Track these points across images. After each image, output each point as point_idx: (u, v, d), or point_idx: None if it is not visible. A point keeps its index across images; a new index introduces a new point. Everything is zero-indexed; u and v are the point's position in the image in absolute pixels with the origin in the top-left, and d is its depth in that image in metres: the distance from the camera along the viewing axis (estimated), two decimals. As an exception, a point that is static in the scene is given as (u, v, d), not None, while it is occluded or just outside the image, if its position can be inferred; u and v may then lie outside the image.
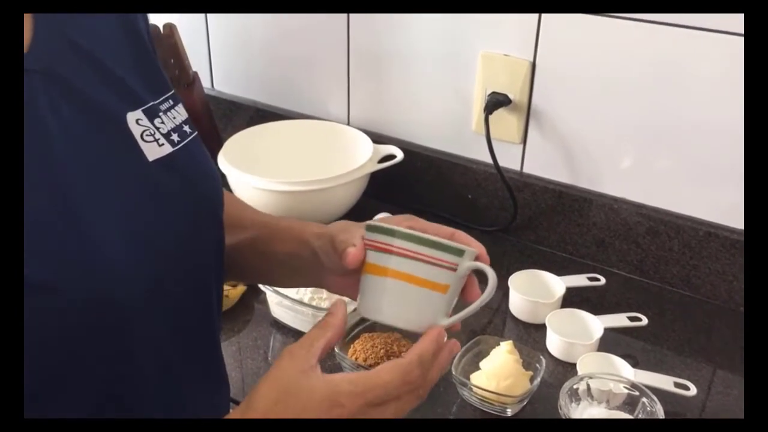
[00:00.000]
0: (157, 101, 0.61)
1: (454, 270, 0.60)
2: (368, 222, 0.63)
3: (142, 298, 0.55)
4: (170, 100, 0.63)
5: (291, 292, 1.01)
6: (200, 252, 0.63)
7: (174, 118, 0.62)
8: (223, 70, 1.54)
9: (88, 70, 0.56)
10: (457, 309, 0.62)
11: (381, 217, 0.69)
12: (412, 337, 0.97)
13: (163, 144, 0.59)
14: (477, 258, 0.62)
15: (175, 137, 0.61)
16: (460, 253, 0.59)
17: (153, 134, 0.58)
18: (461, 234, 0.64)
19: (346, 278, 0.66)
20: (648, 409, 0.84)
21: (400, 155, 1.27)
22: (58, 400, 0.53)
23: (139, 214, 0.56)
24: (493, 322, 1.07)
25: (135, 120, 0.58)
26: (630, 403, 0.86)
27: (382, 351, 0.92)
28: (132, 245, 0.54)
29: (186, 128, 0.63)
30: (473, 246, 0.63)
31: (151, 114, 0.59)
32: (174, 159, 0.59)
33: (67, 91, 0.54)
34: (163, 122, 0.60)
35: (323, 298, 1.00)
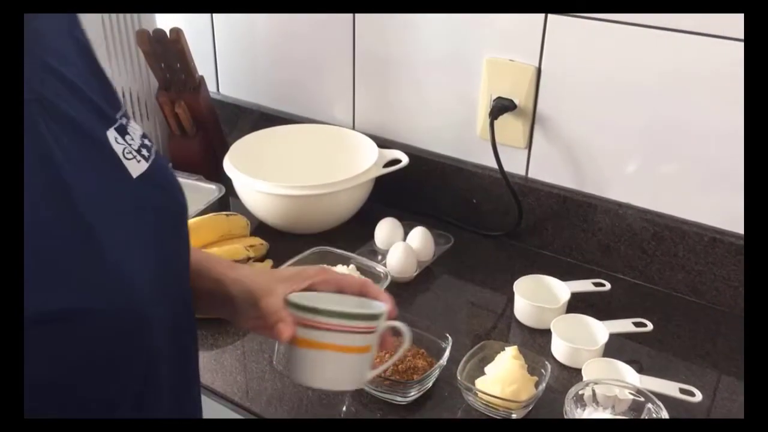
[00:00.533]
0: (119, 117, 0.61)
1: (373, 332, 0.68)
2: (289, 297, 0.69)
3: (160, 309, 0.58)
4: (125, 117, 0.62)
5: (296, 296, 1.01)
6: (184, 256, 0.66)
7: (135, 132, 0.62)
8: (229, 74, 1.55)
9: (68, 93, 0.56)
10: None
11: (294, 275, 0.73)
12: (417, 341, 0.97)
13: (140, 160, 0.60)
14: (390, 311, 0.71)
15: (144, 152, 0.61)
16: (376, 318, 0.68)
17: (131, 151, 0.60)
18: (370, 286, 0.74)
19: (258, 320, 0.71)
20: (654, 415, 0.84)
21: (405, 160, 1.27)
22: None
23: (140, 231, 0.58)
24: (497, 327, 1.07)
25: (114, 138, 0.58)
26: (635, 409, 0.85)
27: (387, 356, 0.92)
28: (142, 262, 0.56)
29: (146, 141, 0.63)
30: (382, 299, 0.72)
31: (122, 131, 0.60)
32: (152, 173, 0.61)
33: (59, 118, 0.54)
34: (132, 138, 0.61)
35: (328, 302, 1.00)
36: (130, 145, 0.60)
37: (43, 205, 0.50)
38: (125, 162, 0.58)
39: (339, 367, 0.68)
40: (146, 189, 0.60)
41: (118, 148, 0.58)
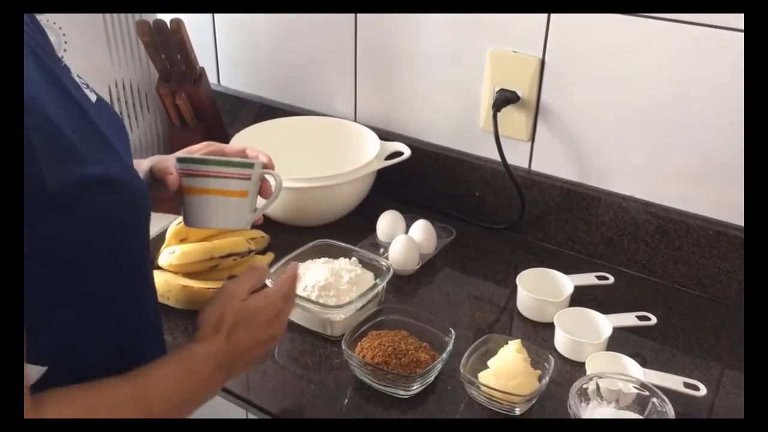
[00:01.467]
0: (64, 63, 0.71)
1: (249, 179, 0.81)
2: (177, 154, 0.83)
3: (148, 201, 0.70)
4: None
5: (298, 289, 1.01)
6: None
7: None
8: (230, 65, 1.54)
9: (38, 35, 0.66)
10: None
11: (185, 150, 0.88)
12: (419, 335, 0.96)
13: (91, 91, 0.71)
14: (265, 166, 0.85)
15: (90, 86, 0.72)
16: (250, 166, 0.82)
17: (84, 83, 0.70)
18: (251, 149, 0.89)
19: (168, 201, 0.84)
20: (658, 409, 0.83)
21: (407, 152, 1.27)
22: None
23: (113, 135, 0.68)
24: (500, 321, 1.07)
25: (75, 74, 0.70)
26: (640, 403, 0.85)
27: (389, 349, 0.92)
28: (127, 160, 0.68)
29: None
30: (261, 158, 0.86)
31: (68, 71, 0.70)
32: (100, 101, 0.71)
33: (42, 50, 0.64)
34: (78, 76, 0.71)
35: (330, 295, 1.00)
36: (80, 78, 0.71)
37: (67, 108, 0.61)
38: (85, 90, 0.69)
39: (221, 210, 0.81)
40: (102, 111, 0.70)
41: (78, 80, 0.69)
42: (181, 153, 0.86)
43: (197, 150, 0.88)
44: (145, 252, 0.73)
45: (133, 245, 0.70)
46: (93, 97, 0.70)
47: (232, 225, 0.83)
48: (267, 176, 0.85)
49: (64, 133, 0.58)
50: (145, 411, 0.66)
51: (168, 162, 0.83)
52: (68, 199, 0.57)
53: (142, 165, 0.85)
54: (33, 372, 0.60)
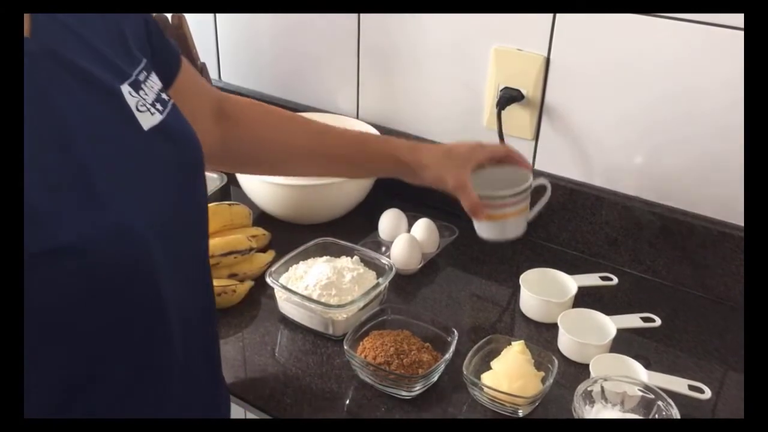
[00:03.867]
0: (136, 72, 0.64)
1: (528, 195, 1.01)
2: (480, 193, 0.96)
3: (161, 257, 0.60)
4: (144, 71, 0.66)
5: (300, 288, 1.00)
6: (191, 211, 0.69)
7: (152, 87, 0.65)
8: (231, 61, 1.53)
9: (82, 48, 0.59)
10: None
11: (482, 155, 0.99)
12: (422, 335, 0.96)
13: (154, 113, 0.63)
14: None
15: (159, 106, 0.64)
16: (528, 183, 1.00)
17: (144, 104, 0.62)
18: (514, 153, 1.01)
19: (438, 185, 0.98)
20: (663, 412, 0.82)
21: (410, 150, 1.26)
22: (103, 367, 0.59)
23: (144, 180, 0.60)
24: (503, 321, 1.06)
25: (128, 92, 0.62)
26: (645, 406, 0.84)
27: (392, 349, 0.91)
28: (143, 208, 0.59)
29: (164, 96, 0.67)
30: (525, 165, 1.01)
31: (136, 86, 0.63)
32: (164, 126, 0.64)
33: (72, 70, 0.57)
34: (146, 93, 0.64)
35: (332, 294, 0.99)
36: (144, 98, 0.63)
37: (42, 146, 0.53)
38: (137, 114, 0.61)
39: (514, 225, 1.01)
40: (157, 141, 0.62)
41: (131, 101, 0.61)
42: (469, 166, 0.96)
43: (476, 159, 0.97)
44: (154, 308, 0.63)
45: (122, 307, 0.59)
46: (152, 122, 0.62)
47: (521, 233, 1.02)
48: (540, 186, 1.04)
49: (27, 196, 0.50)
50: None
51: (467, 191, 0.94)
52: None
53: (395, 156, 0.95)
54: None
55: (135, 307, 0.60)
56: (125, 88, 0.61)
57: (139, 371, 0.63)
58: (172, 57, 0.82)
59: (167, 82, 0.78)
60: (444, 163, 0.95)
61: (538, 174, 1.09)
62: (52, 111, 0.54)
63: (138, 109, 0.61)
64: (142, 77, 0.64)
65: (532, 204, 1.03)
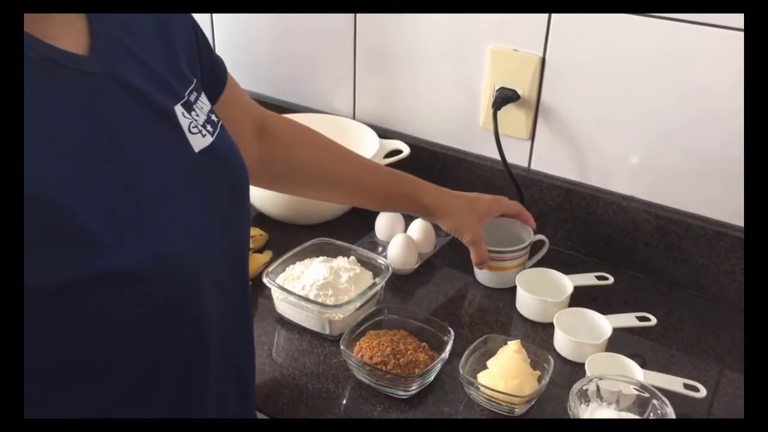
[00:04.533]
0: (188, 93, 0.64)
1: (527, 252, 1.12)
2: (488, 248, 1.06)
3: (208, 281, 0.60)
4: (195, 92, 0.65)
5: (296, 288, 1.00)
6: (237, 231, 0.69)
7: (202, 108, 0.65)
8: (228, 62, 1.51)
9: (138, 68, 0.60)
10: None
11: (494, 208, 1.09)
12: (418, 335, 0.96)
13: (205, 135, 0.63)
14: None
15: (209, 127, 0.65)
16: (530, 245, 1.11)
17: (196, 126, 0.63)
18: (523, 212, 1.11)
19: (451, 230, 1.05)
20: (659, 411, 0.83)
21: (406, 150, 1.26)
22: (139, 396, 0.58)
23: (194, 203, 0.60)
24: (499, 321, 1.06)
25: (181, 113, 0.62)
26: (640, 404, 0.84)
27: (388, 349, 0.91)
28: (194, 233, 0.59)
29: (213, 117, 0.67)
30: (530, 224, 1.12)
31: (188, 107, 0.63)
32: (214, 148, 0.64)
33: (129, 91, 0.57)
34: (198, 114, 0.64)
35: (329, 294, 0.99)
36: (195, 120, 0.63)
37: (99, 167, 0.53)
38: (189, 136, 0.61)
39: (511, 275, 1.08)
40: (206, 163, 0.62)
41: (184, 122, 0.61)
42: (485, 220, 1.05)
43: (494, 214, 1.08)
44: (196, 336, 0.62)
45: (167, 340, 0.59)
46: (203, 143, 0.62)
47: (515, 283, 1.07)
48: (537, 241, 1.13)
49: (82, 221, 0.50)
50: None
51: (478, 242, 1.03)
52: (64, 296, 0.50)
53: (421, 200, 1.01)
54: None
55: (179, 335, 0.60)
56: (179, 109, 0.61)
57: (174, 402, 0.62)
58: (219, 71, 0.82)
59: (214, 96, 0.78)
60: (465, 217, 1.03)
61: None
62: (111, 132, 0.55)
63: (190, 131, 0.62)
64: (193, 98, 0.64)
65: (531, 255, 1.13)
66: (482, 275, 1.12)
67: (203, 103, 0.66)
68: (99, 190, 0.52)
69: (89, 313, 0.52)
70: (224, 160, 0.66)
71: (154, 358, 0.59)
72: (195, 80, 0.67)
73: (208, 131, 0.64)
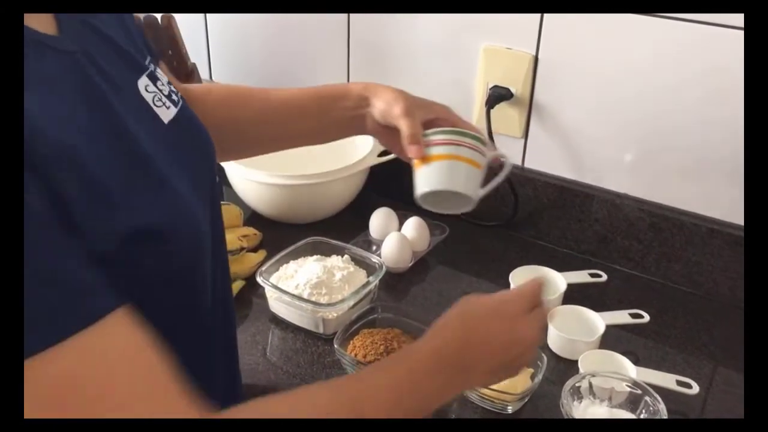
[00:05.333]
0: (149, 63, 0.66)
1: (484, 155, 0.84)
2: (432, 130, 0.84)
3: (207, 229, 0.65)
4: (152, 63, 0.67)
5: (290, 287, 1.00)
6: (216, 192, 0.73)
7: (164, 78, 0.67)
8: (222, 61, 1.53)
9: (104, 46, 0.61)
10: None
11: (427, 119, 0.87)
12: (411, 332, 0.96)
13: (169, 107, 0.65)
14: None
15: (174, 97, 0.66)
16: (484, 143, 0.84)
17: (161, 98, 0.64)
18: (459, 120, 0.88)
19: (385, 130, 0.87)
20: (651, 407, 0.83)
21: (400, 149, 1.25)
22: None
23: (180, 170, 0.62)
24: (493, 319, 1.06)
25: (144, 87, 0.63)
26: (633, 401, 0.85)
27: (381, 347, 0.91)
28: (191, 196, 0.62)
29: (172, 87, 0.68)
30: (468, 127, 0.87)
31: (153, 78, 0.64)
32: (180, 118, 0.66)
33: (99, 69, 0.58)
34: (163, 84, 0.65)
35: (322, 293, 0.99)
36: (160, 91, 0.64)
37: (100, 135, 0.54)
38: (155, 109, 0.63)
39: (468, 176, 0.82)
40: (177, 132, 0.65)
41: (148, 97, 0.63)
42: (424, 112, 0.87)
43: (436, 113, 0.88)
44: (205, 288, 0.67)
45: (189, 289, 0.64)
46: (169, 115, 0.65)
47: (472, 193, 0.83)
48: (497, 157, 0.89)
49: (102, 180, 0.52)
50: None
51: (415, 121, 0.83)
52: (114, 255, 0.52)
53: (351, 91, 0.88)
54: None
55: (196, 290, 0.64)
56: (142, 83, 0.63)
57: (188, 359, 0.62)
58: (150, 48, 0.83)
59: None
60: (398, 95, 0.87)
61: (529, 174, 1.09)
62: (101, 104, 0.56)
63: (155, 104, 0.63)
64: (152, 67, 0.66)
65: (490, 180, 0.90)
66: (421, 178, 0.84)
67: (161, 74, 0.67)
68: (110, 153, 0.54)
69: (131, 268, 0.54)
70: (190, 128, 0.68)
71: (182, 317, 0.62)
72: (148, 55, 0.68)
73: (172, 102, 0.66)
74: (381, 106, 0.86)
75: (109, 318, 0.49)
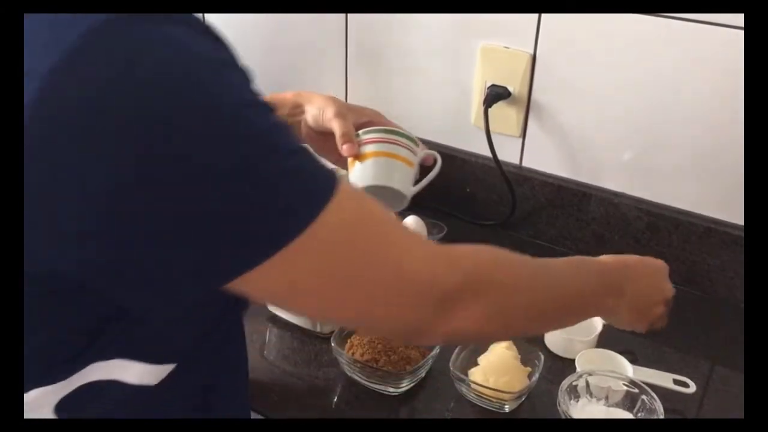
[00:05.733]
0: None
1: (416, 154, 0.89)
2: (364, 130, 0.88)
3: None
4: None
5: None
6: None
7: None
8: (220, 60, 1.52)
9: None
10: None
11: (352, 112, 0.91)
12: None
13: None
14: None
15: None
16: (416, 143, 0.90)
17: None
18: (387, 121, 0.93)
19: (318, 135, 0.91)
20: (648, 406, 0.83)
21: (398, 148, 1.25)
22: None
23: None
24: (491, 317, 1.06)
25: None
26: (630, 400, 0.85)
27: (379, 346, 0.91)
28: None
29: None
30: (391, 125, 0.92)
31: None
32: None
33: None
34: None
35: (320, 292, 0.99)
36: None
37: None
38: None
39: (401, 173, 0.87)
40: None
41: None
42: (356, 115, 0.90)
43: (368, 116, 0.92)
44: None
45: None
46: None
47: (405, 189, 0.88)
48: (429, 156, 0.94)
49: None
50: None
51: (348, 122, 0.87)
52: None
53: (285, 100, 0.91)
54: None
55: None
56: None
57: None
58: None
59: None
60: (331, 100, 0.91)
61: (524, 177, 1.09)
62: None
63: None
64: None
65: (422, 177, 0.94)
66: (356, 175, 0.88)
67: None
68: None
69: None
70: None
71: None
72: None
73: None
74: (313, 112, 0.90)
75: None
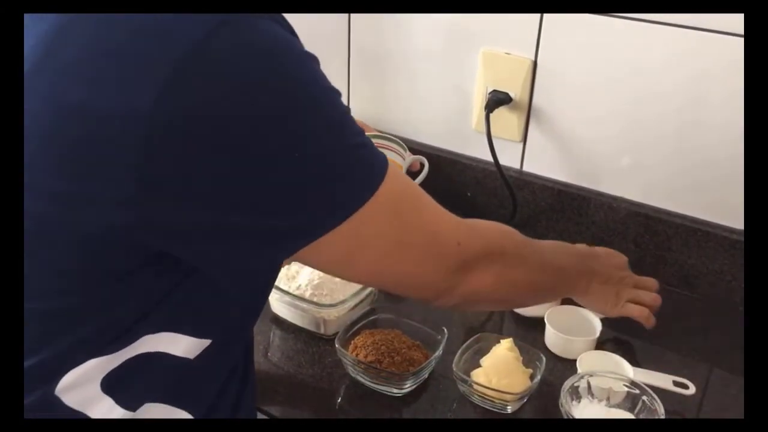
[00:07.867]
0: None
1: (404, 159, 1.01)
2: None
3: None
4: None
5: (292, 288, 1.01)
6: None
7: None
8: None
9: None
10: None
11: None
12: (412, 334, 0.97)
13: None
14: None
15: None
16: (404, 149, 1.03)
17: None
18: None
19: None
20: (649, 407, 0.84)
21: (399, 152, 1.27)
22: None
23: None
24: (492, 320, 1.07)
25: None
26: (630, 401, 0.86)
27: (383, 347, 0.92)
28: None
29: None
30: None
31: None
32: None
33: None
34: None
35: (324, 293, 1.00)
36: None
37: None
38: None
39: None
40: None
41: None
42: None
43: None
44: None
45: None
46: None
47: None
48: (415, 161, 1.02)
49: None
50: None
51: None
52: None
53: None
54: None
55: None
56: None
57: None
58: None
59: None
60: None
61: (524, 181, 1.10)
62: None
63: None
64: None
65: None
66: None
67: None
68: None
69: None
70: None
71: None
72: None
73: None
74: None
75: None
